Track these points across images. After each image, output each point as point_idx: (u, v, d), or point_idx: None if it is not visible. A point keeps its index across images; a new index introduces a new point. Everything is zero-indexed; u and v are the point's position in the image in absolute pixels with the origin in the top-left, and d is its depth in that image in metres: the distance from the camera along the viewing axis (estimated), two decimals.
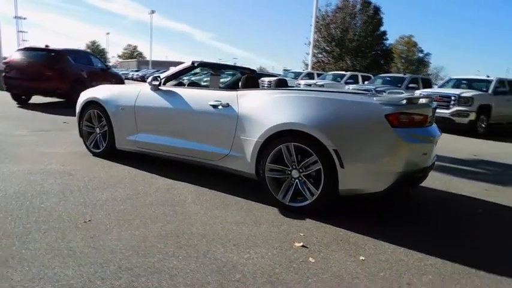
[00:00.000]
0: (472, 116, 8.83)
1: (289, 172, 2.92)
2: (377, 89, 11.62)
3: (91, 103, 4.25)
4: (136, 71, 35.85)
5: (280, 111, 2.91)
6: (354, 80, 14.31)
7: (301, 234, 2.53)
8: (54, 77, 8.39)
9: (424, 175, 2.93)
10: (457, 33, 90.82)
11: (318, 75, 16.63)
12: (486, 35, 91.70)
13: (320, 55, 29.84)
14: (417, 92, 10.33)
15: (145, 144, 3.83)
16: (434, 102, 2.99)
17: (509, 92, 10.07)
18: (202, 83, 5.58)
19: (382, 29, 28.65)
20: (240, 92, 3.24)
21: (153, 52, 47.61)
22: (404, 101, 2.67)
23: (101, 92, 4.23)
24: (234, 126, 3.16)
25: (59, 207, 2.71)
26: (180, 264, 2.02)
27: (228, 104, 3.21)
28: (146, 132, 3.82)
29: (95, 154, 4.29)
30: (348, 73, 15.16)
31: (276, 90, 3.14)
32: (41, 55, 8.70)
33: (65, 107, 8.72)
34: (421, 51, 62.82)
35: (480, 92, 9.37)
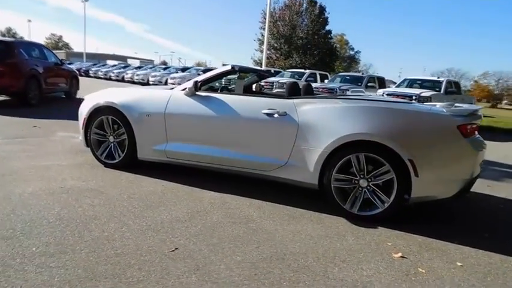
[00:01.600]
0: None
1: (356, 181, 2.94)
2: (341, 88, 12.18)
3: (103, 108, 3.78)
4: (69, 63, 32.52)
5: (350, 121, 2.89)
6: (313, 78, 14.78)
7: (389, 244, 2.57)
8: (6, 73, 7.26)
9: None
10: (381, 32, 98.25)
11: (276, 72, 16.84)
12: (406, 35, 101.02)
13: (268, 51, 30.24)
14: (379, 92, 11.05)
15: (179, 155, 3.53)
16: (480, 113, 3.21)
17: (455, 92, 11.31)
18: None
19: (327, 28, 30.08)
20: (297, 101, 3.15)
21: (83, 43, 43.50)
22: (467, 112, 2.85)
23: (117, 96, 3.78)
24: (293, 136, 3.07)
25: (126, 234, 2.38)
26: None
27: (285, 112, 3.10)
28: (180, 141, 3.52)
29: (107, 165, 3.83)
30: (307, 71, 15.59)
31: (339, 100, 3.12)
32: None
33: (18, 107, 7.65)
34: (352, 49, 67.15)
35: (435, 92, 10.35)
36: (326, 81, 14.34)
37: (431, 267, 2.28)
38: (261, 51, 32.67)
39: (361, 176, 2.91)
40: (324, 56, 29.22)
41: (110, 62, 34.53)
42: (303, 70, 16.42)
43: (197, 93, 3.48)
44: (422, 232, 2.78)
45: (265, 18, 30.70)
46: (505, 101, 54.93)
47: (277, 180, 3.26)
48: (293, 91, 3.46)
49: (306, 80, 14.60)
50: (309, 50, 28.29)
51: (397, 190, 2.79)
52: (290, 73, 16.03)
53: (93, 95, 4.02)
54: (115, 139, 3.82)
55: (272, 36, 28.77)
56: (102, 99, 3.81)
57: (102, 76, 26.45)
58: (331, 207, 3.02)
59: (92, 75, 27.55)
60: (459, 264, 2.36)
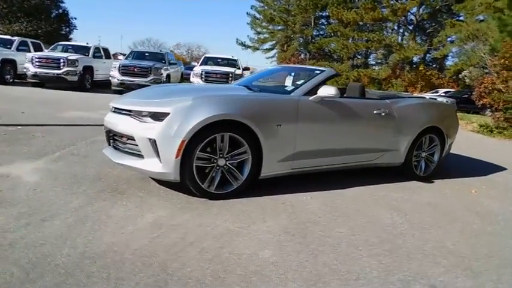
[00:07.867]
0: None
1: (420, 154, 4.26)
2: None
3: (218, 124, 2.86)
4: None
5: (425, 114, 4.13)
6: (25, 47, 12.31)
7: (457, 187, 4.16)
8: None
9: None
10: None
11: (40, 48, 12.86)
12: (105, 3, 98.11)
13: None
14: (115, 64, 11.97)
15: (306, 163, 3.42)
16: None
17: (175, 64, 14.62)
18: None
19: None
20: (391, 101, 3.95)
21: None
22: (455, 102, 4.81)
23: (229, 105, 2.95)
24: (393, 128, 3.91)
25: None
26: None
27: (387, 111, 3.85)
28: (307, 149, 3.38)
29: (216, 197, 2.99)
30: (17, 38, 12.55)
31: (413, 98, 4.21)
32: None
33: None
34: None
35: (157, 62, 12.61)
36: (47, 51, 12.51)
37: (491, 193, 4.06)
38: None
39: (423, 150, 4.27)
40: (59, 23, 24.22)
41: None
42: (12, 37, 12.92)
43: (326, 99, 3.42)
44: (458, 177, 4.51)
45: None
46: None
47: (375, 166, 4.00)
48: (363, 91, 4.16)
49: (17, 49, 12.07)
50: (42, 15, 22.50)
51: (439, 154, 4.39)
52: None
53: (182, 107, 2.83)
54: (227, 161, 3.01)
55: None
56: (211, 111, 2.84)
57: None
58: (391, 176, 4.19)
59: None
60: (473, 191, 4.29)
